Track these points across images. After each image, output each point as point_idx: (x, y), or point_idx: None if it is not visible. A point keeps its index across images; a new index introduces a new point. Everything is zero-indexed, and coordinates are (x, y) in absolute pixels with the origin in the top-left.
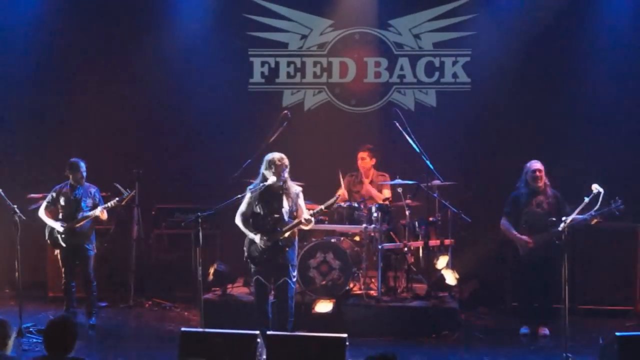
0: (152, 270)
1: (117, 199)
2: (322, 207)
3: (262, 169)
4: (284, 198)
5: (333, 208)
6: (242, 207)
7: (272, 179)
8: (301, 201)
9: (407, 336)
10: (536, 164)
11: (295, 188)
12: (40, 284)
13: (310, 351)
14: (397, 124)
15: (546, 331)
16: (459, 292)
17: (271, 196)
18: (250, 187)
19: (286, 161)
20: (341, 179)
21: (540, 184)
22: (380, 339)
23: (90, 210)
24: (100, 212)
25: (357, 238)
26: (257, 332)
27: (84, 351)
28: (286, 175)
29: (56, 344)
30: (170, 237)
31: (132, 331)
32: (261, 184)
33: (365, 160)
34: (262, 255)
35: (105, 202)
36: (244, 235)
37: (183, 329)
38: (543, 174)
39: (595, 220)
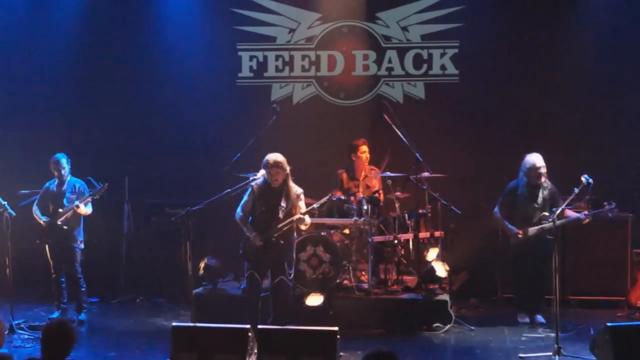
0: (142, 265)
1: (90, 192)
2: (315, 205)
3: (261, 167)
4: (283, 198)
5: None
6: (243, 201)
7: (260, 173)
8: (302, 203)
9: (398, 329)
10: (539, 161)
11: (296, 189)
12: (31, 281)
13: (302, 344)
14: (386, 117)
15: (542, 319)
16: (449, 283)
17: (271, 195)
18: (254, 182)
19: (282, 164)
20: (344, 178)
21: (541, 180)
22: (372, 332)
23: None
24: (75, 207)
25: (347, 231)
26: (248, 326)
27: (75, 347)
28: (281, 177)
29: (53, 350)
30: (160, 232)
31: (123, 326)
32: (254, 181)
33: (367, 154)
34: (258, 253)
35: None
36: (233, 230)
37: (174, 323)
38: (545, 170)
39: (587, 220)
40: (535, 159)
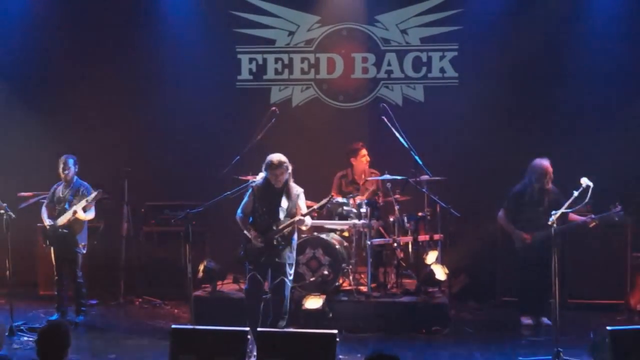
0: (141, 267)
1: (86, 198)
2: (315, 207)
3: (263, 168)
4: (284, 198)
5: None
6: (244, 202)
7: (260, 175)
8: (302, 202)
9: (397, 332)
10: (548, 165)
11: (296, 189)
12: (31, 283)
13: (301, 347)
14: (385, 120)
15: (548, 320)
16: (448, 287)
17: (271, 195)
18: (254, 183)
19: (286, 164)
20: (342, 183)
21: (550, 184)
22: (371, 335)
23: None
24: (73, 212)
25: (346, 234)
26: (248, 328)
27: (74, 349)
28: (284, 177)
29: (49, 352)
30: (160, 235)
31: (123, 329)
32: (255, 182)
33: (367, 157)
34: (259, 254)
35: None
36: (233, 232)
37: (173, 325)
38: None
39: (593, 224)
40: (545, 164)
